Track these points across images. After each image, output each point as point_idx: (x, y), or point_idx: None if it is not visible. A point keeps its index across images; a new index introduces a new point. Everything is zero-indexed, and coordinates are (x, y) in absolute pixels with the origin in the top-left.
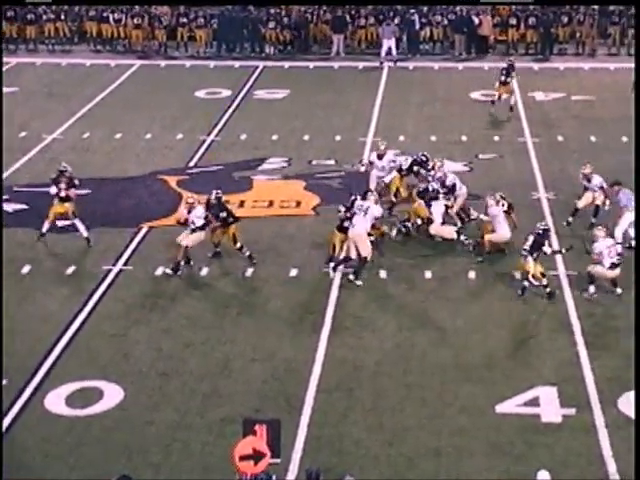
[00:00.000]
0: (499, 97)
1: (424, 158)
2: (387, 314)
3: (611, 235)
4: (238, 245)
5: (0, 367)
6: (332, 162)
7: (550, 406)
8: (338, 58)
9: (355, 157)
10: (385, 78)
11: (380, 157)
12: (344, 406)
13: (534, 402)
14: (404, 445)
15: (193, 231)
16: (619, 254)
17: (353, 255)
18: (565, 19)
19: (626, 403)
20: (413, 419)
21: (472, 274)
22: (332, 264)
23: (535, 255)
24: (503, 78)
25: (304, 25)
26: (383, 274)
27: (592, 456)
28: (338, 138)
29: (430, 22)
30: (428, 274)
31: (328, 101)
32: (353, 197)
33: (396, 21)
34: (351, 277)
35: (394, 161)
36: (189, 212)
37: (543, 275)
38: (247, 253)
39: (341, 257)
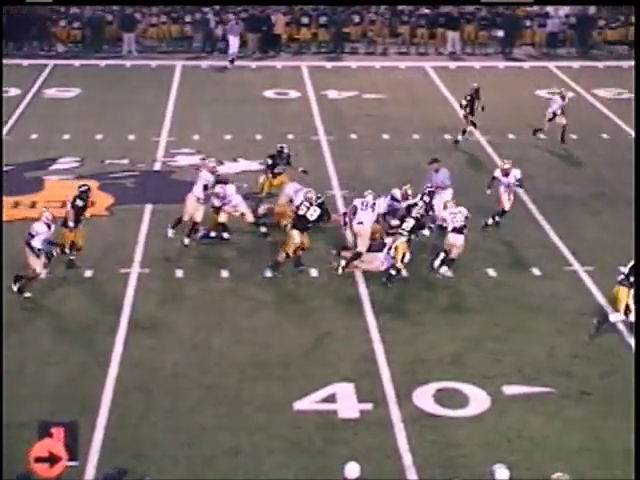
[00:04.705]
0: (471, 125)
1: (280, 148)
2: (184, 314)
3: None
4: (67, 251)
5: (0, 373)
6: (126, 162)
7: (347, 402)
8: (130, 57)
9: (148, 156)
10: (178, 77)
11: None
12: (142, 408)
13: (331, 398)
14: (202, 445)
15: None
16: (465, 219)
17: (364, 249)
18: (357, 18)
19: (421, 397)
20: (211, 419)
21: (269, 273)
22: (343, 262)
23: (410, 238)
24: (465, 104)
25: (99, 23)
26: (179, 273)
27: (389, 450)
28: (131, 137)
29: (222, 21)
30: (225, 273)
31: (121, 100)
32: (320, 195)
33: (188, 19)
34: (340, 267)
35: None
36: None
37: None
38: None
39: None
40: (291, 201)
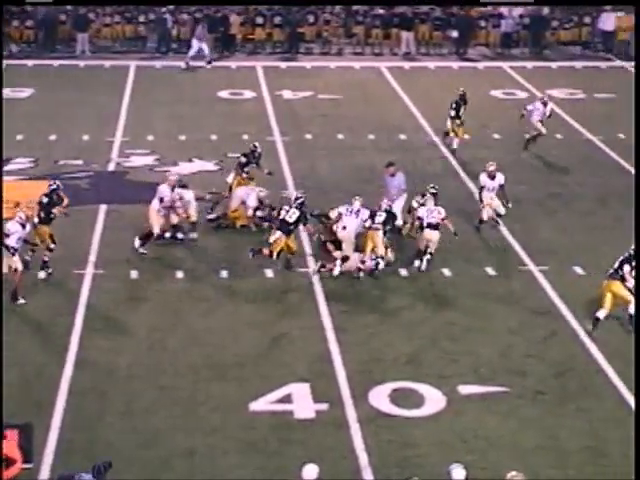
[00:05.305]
0: (455, 134)
1: (253, 147)
2: (139, 315)
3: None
4: (52, 246)
5: (0, 374)
6: (80, 162)
7: (303, 402)
8: (84, 57)
9: (103, 156)
10: (132, 77)
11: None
12: (97, 409)
13: (287, 399)
14: (158, 446)
15: (13, 254)
16: (442, 218)
17: (350, 253)
18: (311, 19)
19: (376, 397)
20: (167, 420)
21: (224, 273)
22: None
23: (386, 230)
24: (453, 113)
25: (52, 23)
26: (134, 274)
27: (345, 450)
28: (85, 138)
29: (177, 21)
30: (179, 274)
31: (74, 100)
32: (300, 195)
33: (142, 19)
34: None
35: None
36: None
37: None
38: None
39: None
40: (243, 203)
